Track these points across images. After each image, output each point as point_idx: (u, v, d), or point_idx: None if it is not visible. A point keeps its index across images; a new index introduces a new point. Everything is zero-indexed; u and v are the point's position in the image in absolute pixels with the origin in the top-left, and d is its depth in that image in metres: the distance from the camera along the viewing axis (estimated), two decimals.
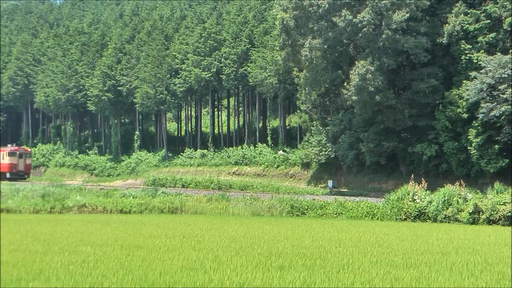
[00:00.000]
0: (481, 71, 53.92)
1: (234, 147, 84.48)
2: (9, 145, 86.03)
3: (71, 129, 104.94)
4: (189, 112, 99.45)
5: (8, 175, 78.71)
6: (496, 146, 53.33)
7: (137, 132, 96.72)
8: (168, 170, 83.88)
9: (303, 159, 70.36)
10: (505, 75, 52.59)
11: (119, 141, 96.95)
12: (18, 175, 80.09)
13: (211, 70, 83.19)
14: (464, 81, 55.93)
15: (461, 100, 56.05)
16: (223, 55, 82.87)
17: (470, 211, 40.44)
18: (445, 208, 41.86)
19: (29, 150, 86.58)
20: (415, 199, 43.90)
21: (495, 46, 56.10)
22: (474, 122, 54.95)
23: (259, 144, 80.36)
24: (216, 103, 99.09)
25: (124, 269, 14.95)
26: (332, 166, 67.83)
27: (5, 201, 46.97)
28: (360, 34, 56.75)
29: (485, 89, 53.21)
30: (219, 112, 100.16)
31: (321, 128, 66.54)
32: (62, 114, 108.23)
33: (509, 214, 39.48)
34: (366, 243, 23.64)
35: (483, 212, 40.20)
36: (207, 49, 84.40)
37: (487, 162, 54.13)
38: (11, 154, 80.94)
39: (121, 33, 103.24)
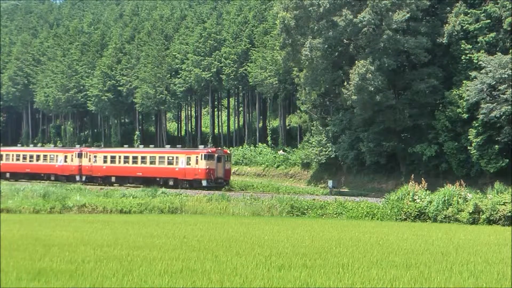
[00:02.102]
0: (481, 71, 53.91)
1: (234, 147, 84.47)
2: (201, 146, 70.87)
3: (71, 129, 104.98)
4: (189, 112, 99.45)
5: (204, 183, 63.60)
6: (496, 146, 53.32)
7: (137, 132, 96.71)
8: None
9: (303, 159, 70.36)
10: (505, 75, 52.56)
11: (119, 141, 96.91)
12: (217, 182, 64.46)
13: (211, 70, 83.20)
14: (464, 81, 55.93)
15: (461, 100, 56.04)
16: (223, 55, 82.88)
17: (470, 211, 40.44)
18: (445, 208, 41.86)
19: (229, 152, 69.89)
20: (415, 199, 43.90)
21: (495, 46, 56.10)
22: (474, 122, 54.94)
23: (259, 144, 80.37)
24: (216, 103, 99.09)
25: (124, 269, 14.94)
26: (332, 166, 67.83)
27: (5, 201, 46.99)
28: (360, 34, 56.76)
29: (485, 89, 53.19)
30: (219, 112, 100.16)
31: (321, 128, 66.53)
32: (62, 114, 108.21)
33: (509, 214, 39.48)
34: (366, 243, 23.64)
35: (483, 212, 40.21)
36: (207, 49, 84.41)
37: (487, 162, 54.11)
38: (208, 157, 63.96)
39: (121, 33, 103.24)
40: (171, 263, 16.22)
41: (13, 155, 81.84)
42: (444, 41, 57.16)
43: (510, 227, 37.53)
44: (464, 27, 56.99)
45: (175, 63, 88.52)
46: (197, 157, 64.22)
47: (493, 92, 53.22)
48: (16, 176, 78.49)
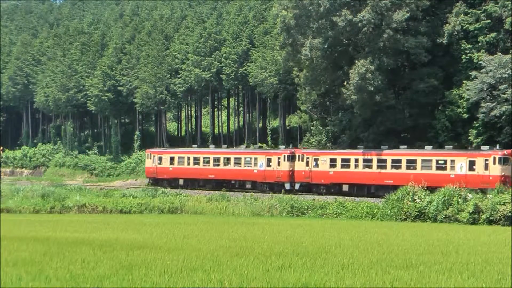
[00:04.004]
0: (481, 71, 53.93)
1: (234, 147, 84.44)
2: (484, 147, 52.38)
3: (71, 129, 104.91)
4: (189, 112, 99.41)
5: None
6: (497, 146, 53.29)
7: (137, 132, 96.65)
8: None
9: None
10: (506, 75, 52.58)
11: (119, 141, 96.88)
12: None
13: (211, 70, 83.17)
14: (464, 81, 55.95)
15: (461, 100, 56.06)
16: (223, 55, 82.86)
17: (470, 211, 40.48)
18: (445, 208, 41.89)
19: None
20: (415, 199, 43.95)
21: (495, 45, 56.12)
22: (474, 122, 54.96)
23: (259, 144, 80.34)
24: (216, 103, 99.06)
25: (124, 269, 14.94)
26: None
27: (5, 201, 47.06)
28: (360, 34, 56.75)
29: (485, 89, 53.20)
30: (219, 112, 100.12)
31: (321, 128, 66.49)
32: (62, 114, 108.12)
33: (509, 214, 39.52)
34: (366, 243, 23.65)
35: (483, 212, 40.26)
36: (207, 49, 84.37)
37: None
38: (504, 160, 50.13)
39: (122, 33, 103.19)
40: (171, 263, 16.23)
41: (189, 157, 67.98)
42: (444, 41, 57.15)
43: (510, 227, 37.55)
44: (464, 27, 56.99)
45: (175, 63, 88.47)
46: (486, 160, 50.36)
47: (493, 92, 53.24)
48: (194, 183, 66.33)
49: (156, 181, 69.77)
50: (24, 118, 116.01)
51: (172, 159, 69.14)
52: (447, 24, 57.39)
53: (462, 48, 56.89)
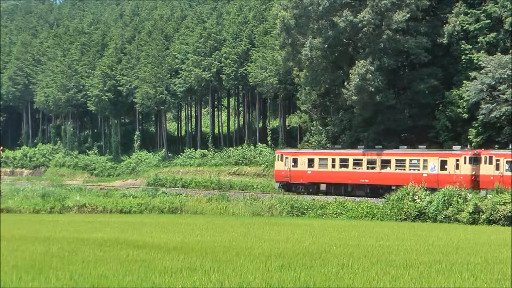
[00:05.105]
0: (481, 71, 53.95)
1: (234, 147, 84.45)
2: None
3: (71, 129, 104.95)
4: (189, 112, 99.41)
5: None
6: (496, 146, 53.37)
7: (137, 132, 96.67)
8: (168, 170, 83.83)
9: None
10: (505, 75, 52.60)
11: (119, 141, 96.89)
12: None
13: (211, 70, 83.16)
14: (464, 81, 55.99)
15: (461, 100, 56.11)
16: (223, 55, 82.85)
17: (470, 211, 40.49)
18: (445, 208, 41.90)
19: None
20: (415, 199, 43.97)
21: (495, 46, 56.14)
22: (474, 122, 55.00)
23: (259, 144, 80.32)
24: (216, 103, 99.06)
25: (124, 269, 14.95)
26: None
27: (5, 201, 47.05)
28: (360, 34, 56.76)
29: (485, 90, 53.22)
30: (219, 112, 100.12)
31: (321, 128, 66.48)
32: (62, 114, 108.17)
33: (509, 214, 39.53)
34: (366, 243, 23.66)
35: (483, 212, 40.27)
36: (207, 49, 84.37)
37: None
38: None
39: (122, 33, 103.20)
40: (171, 263, 16.23)
41: (333, 159, 58.38)
42: (444, 41, 57.19)
43: (510, 227, 37.57)
44: (464, 27, 57.02)
45: (175, 63, 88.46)
46: None
47: (493, 92, 53.26)
48: (339, 188, 57.70)
49: (289, 186, 60.91)
50: (24, 118, 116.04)
51: (311, 161, 59.89)
52: (447, 24, 57.43)
53: (462, 48, 56.92)
